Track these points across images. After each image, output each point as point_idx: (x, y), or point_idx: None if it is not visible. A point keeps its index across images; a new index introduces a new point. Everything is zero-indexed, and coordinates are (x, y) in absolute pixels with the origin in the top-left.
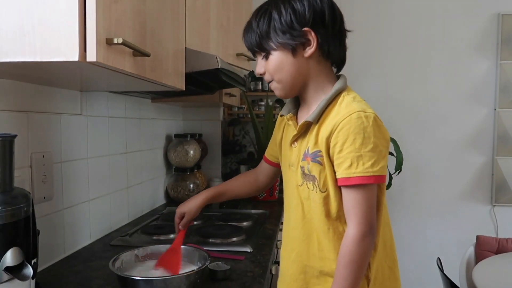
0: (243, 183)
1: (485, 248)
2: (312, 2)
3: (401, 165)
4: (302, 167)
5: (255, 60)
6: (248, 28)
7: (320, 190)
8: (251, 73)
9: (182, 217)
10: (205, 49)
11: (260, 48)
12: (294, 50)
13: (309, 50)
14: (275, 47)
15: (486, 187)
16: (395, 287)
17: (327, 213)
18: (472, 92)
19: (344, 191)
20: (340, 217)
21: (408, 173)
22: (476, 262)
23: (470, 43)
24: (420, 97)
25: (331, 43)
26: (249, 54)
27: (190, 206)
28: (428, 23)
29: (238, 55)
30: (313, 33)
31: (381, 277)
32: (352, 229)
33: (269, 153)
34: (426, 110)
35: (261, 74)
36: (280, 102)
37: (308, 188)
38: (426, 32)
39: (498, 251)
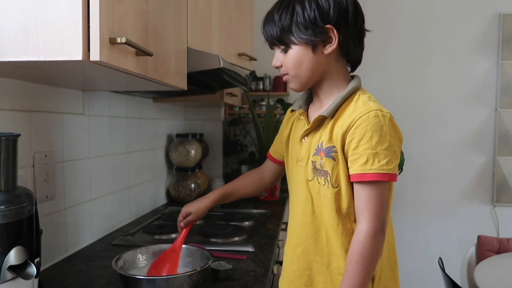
0: (249, 182)
1: (486, 248)
2: (337, 0)
3: (403, 165)
4: (313, 162)
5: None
6: (269, 20)
7: (332, 186)
8: (252, 72)
9: (186, 216)
10: (207, 49)
11: (280, 41)
12: (315, 47)
13: (330, 48)
14: (296, 42)
15: (487, 187)
16: (395, 287)
17: (338, 209)
18: (473, 92)
19: (357, 188)
20: (350, 214)
21: (409, 173)
22: (477, 262)
23: (471, 43)
24: (421, 97)
25: (351, 42)
26: (250, 54)
27: (198, 206)
28: (429, 23)
29: (239, 54)
30: (335, 31)
31: (384, 276)
32: (365, 226)
33: (274, 151)
34: (427, 110)
35: (277, 67)
36: (281, 102)
37: (319, 183)
38: (427, 32)
39: (499, 251)
